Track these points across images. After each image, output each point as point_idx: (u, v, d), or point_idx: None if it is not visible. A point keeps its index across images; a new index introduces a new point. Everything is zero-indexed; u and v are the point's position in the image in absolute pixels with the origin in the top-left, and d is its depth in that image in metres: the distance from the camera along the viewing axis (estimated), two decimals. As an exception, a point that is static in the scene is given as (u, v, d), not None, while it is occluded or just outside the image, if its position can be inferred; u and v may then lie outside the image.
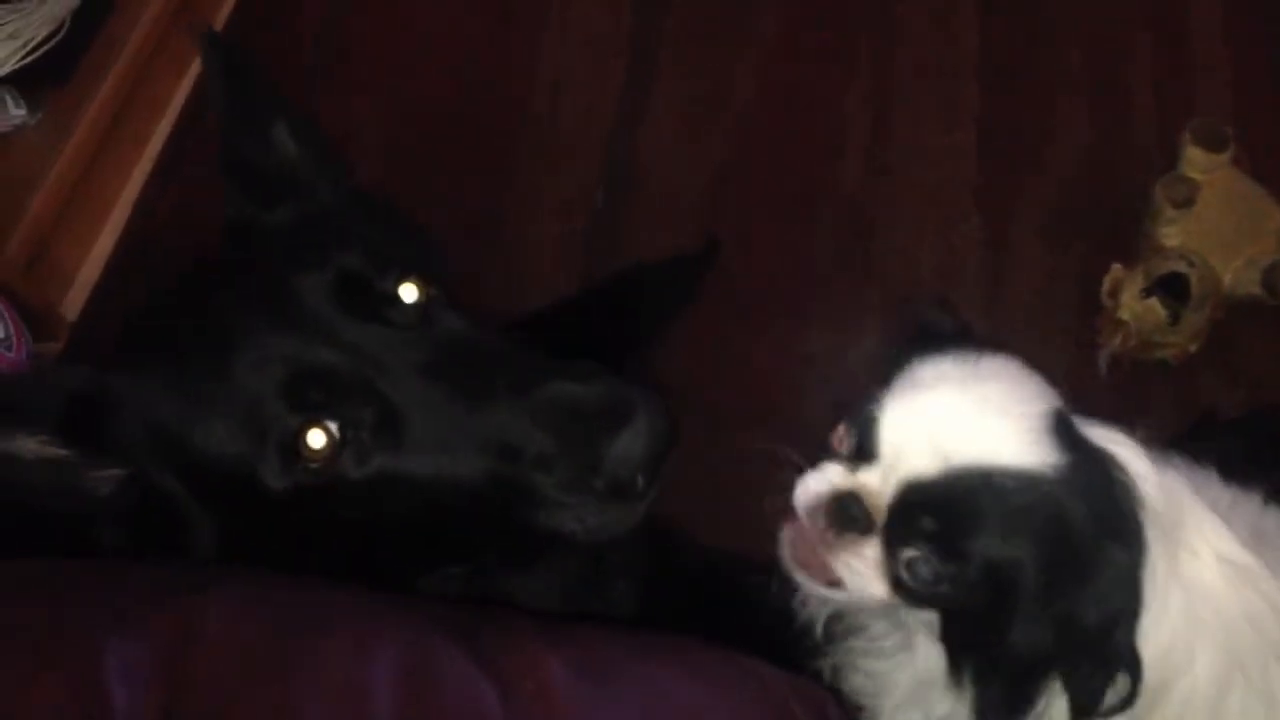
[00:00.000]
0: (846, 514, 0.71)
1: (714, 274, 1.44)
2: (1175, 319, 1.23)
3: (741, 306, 1.43)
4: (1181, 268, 1.21)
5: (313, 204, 0.88)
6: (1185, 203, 1.26)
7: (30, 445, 0.71)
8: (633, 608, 0.91)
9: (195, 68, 1.65)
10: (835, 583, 0.73)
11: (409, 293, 0.79)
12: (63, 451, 0.72)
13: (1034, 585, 0.66)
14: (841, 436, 0.73)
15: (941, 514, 0.67)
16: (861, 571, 0.71)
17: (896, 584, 0.70)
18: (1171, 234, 1.27)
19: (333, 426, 0.72)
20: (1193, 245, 1.25)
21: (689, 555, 1.02)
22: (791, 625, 0.84)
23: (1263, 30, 1.55)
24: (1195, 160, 1.29)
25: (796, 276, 1.45)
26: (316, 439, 0.72)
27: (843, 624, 0.82)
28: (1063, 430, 0.69)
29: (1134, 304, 1.24)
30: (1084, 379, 1.31)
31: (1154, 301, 1.23)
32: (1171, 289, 1.23)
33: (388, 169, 1.57)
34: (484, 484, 0.73)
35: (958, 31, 1.62)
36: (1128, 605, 0.67)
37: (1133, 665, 0.68)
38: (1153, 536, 0.68)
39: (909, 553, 0.69)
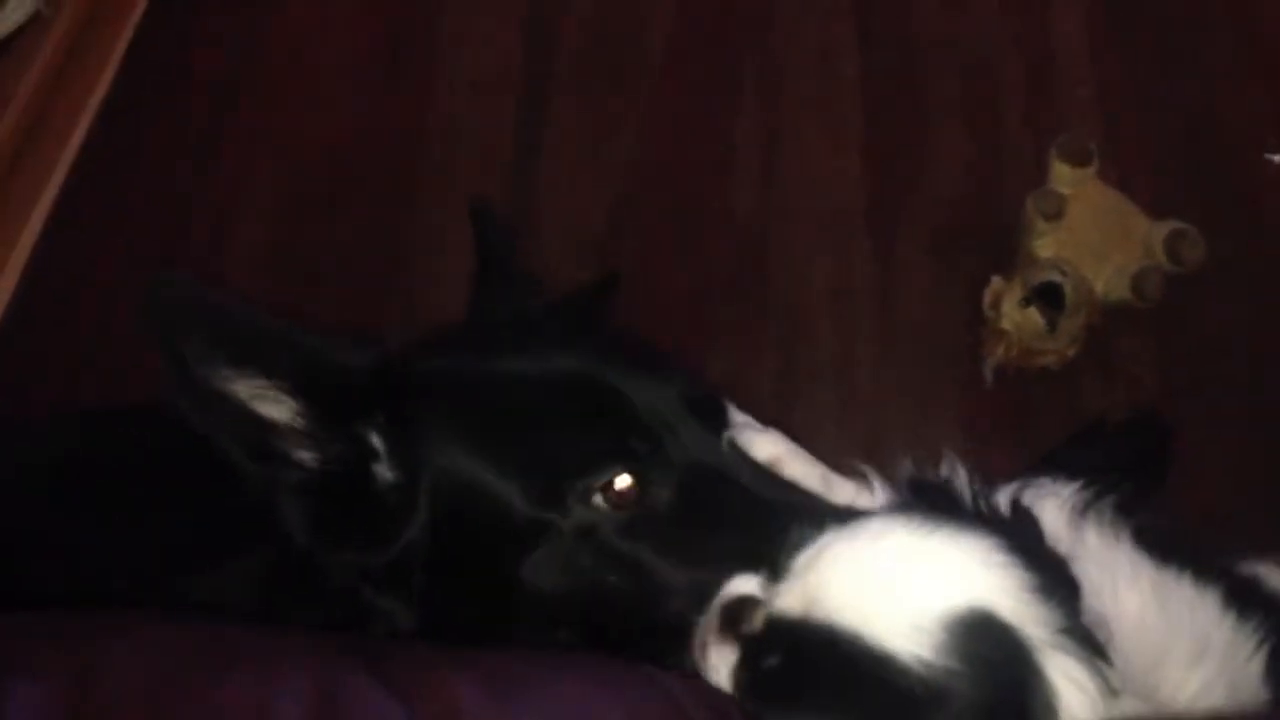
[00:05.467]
0: (736, 616, 0.72)
1: (616, 304, 1.47)
2: (1053, 326, 1.28)
3: (644, 333, 1.45)
4: (1055, 277, 1.27)
5: None
6: (1055, 215, 1.32)
7: (243, 393, 0.71)
8: None
9: (81, 130, 1.63)
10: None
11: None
12: (282, 414, 0.72)
13: None
14: None
15: (785, 657, 0.67)
16: (718, 669, 0.72)
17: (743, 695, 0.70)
18: (1044, 245, 1.32)
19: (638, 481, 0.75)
20: (1065, 255, 1.31)
21: None
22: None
23: (1125, 49, 1.63)
24: (1062, 175, 1.35)
25: (695, 302, 1.49)
26: (623, 484, 0.74)
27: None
28: (977, 634, 0.64)
29: (1014, 314, 1.30)
30: (974, 390, 1.37)
31: (1032, 310, 1.29)
32: (1048, 298, 1.29)
33: (291, 217, 1.58)
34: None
35: (838, 61, 1.67)
36: None
37: None
38: None
39: (749, 677, 0.70)
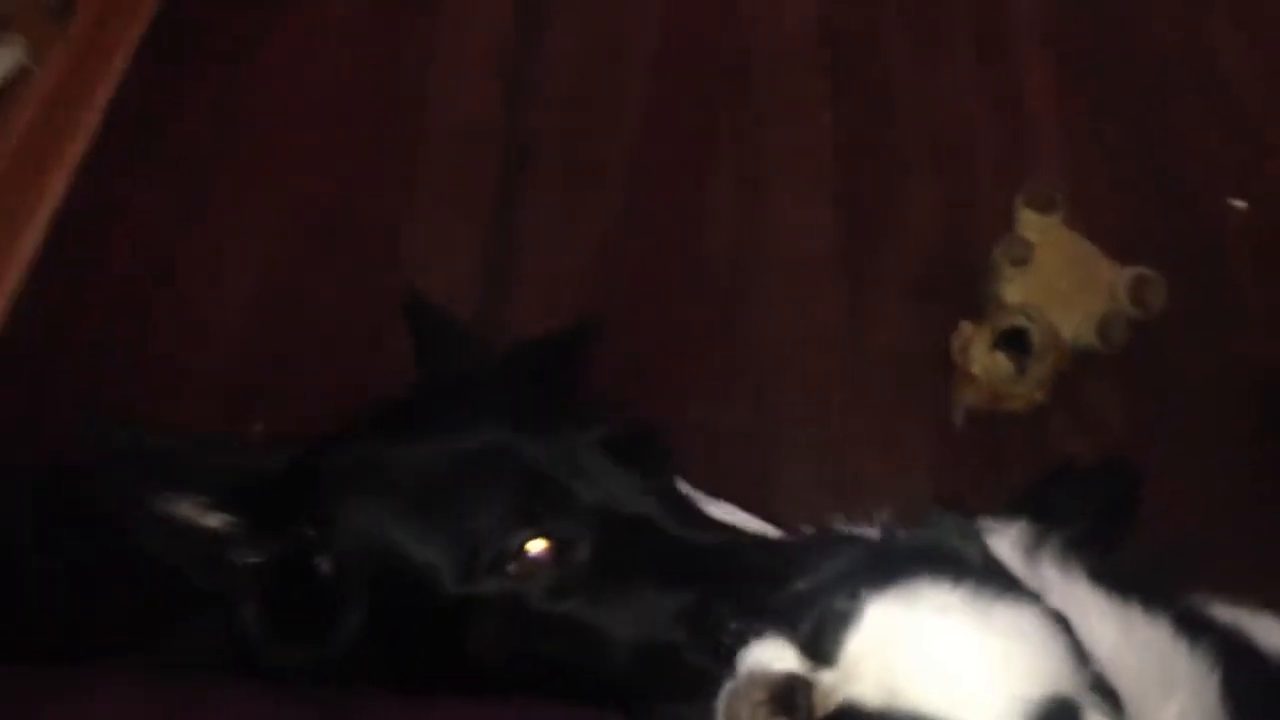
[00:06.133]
0: (790, 701, 0.65)
1: (597, 352, 1.48)
2: (1021, 371, 1.30)
3: (622, 380, 1.46)
4: (1022, 322, 1.30)
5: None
6: (1022, 261, 1.35)
7: (186, 510, 0.75)
8: None
9: (63, 183, 1.64)
10: None
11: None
12: (220, 522, 0.76)
13: None
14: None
15: None
16: None
17: None
18: (1012, 291, 1.35)
19: (551, 545, 0.75)
20: (1033, 300, 1.33)
21: None
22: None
23: (1091, 99, 1.67)
24: (1029, 222, 1.38)
25: (671, 348, 1.50)
26: (537, 551, 0.74)
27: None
28: (1055, 717, 0.62)
29: (983, 358, 1.32)
30: (945, 434, 1.38)
31: (1000, 355, 1.31)
32: (1016, 343, 1.31)
33: (284, 262, 1.59)
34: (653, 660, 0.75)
35: (812, 111, 1.70)
36: None
37: None
38: None
39: None
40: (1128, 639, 0.74)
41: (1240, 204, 1.51)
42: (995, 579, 0.68)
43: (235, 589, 0.76)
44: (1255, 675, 0.78)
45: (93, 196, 1.65)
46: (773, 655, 0.67)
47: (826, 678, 0.65)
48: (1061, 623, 0.68)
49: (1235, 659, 0.76)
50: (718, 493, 1.34)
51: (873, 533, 0.81)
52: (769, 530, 0.89)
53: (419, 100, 1.76)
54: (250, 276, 1.59)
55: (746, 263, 1.57)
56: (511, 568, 0.74)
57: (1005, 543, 0.79)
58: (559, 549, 0.75)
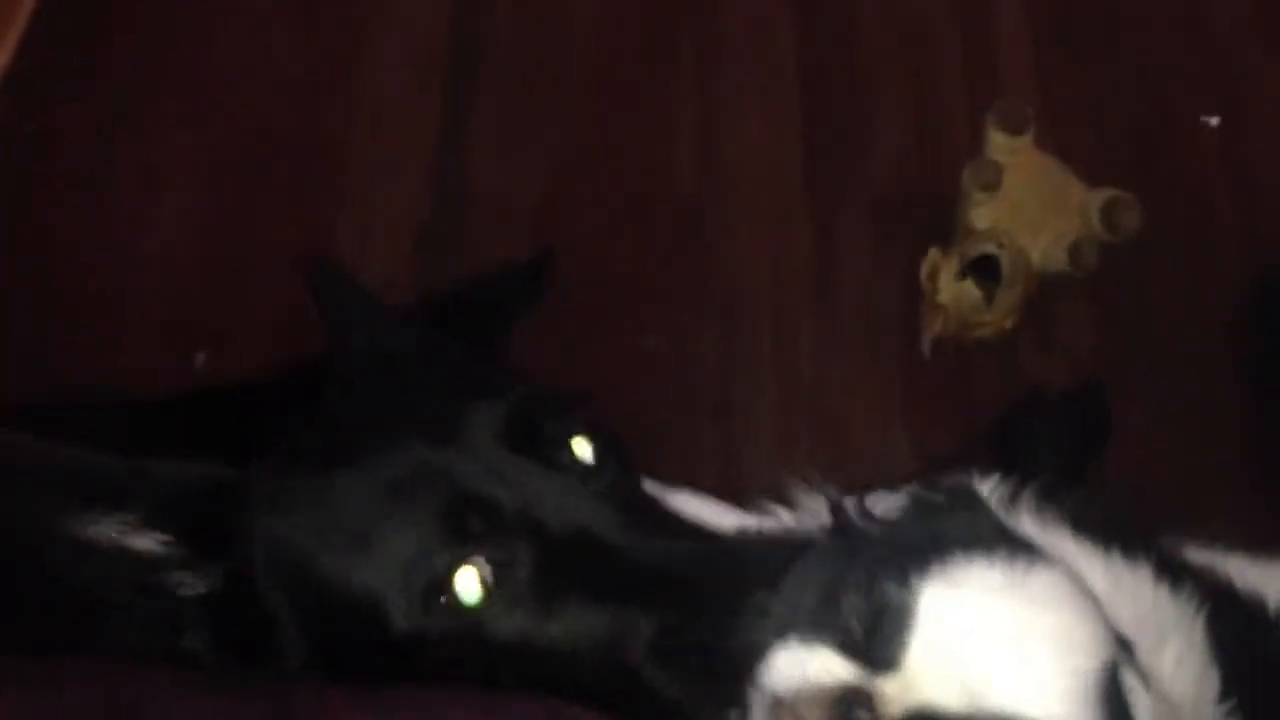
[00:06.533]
0: (850, 717, 0.60)
1: (553, 280, 1.44)
2: (990, 299, 1.27)
3: (581, 309, 1.43)
4: (991, 249, 1.26)
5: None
6: (992, 185, 1.30)
7: (109, 533, 0.69)
8: None
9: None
10: None
11: (582, 448, 0.77)
12: (152, 544, 0.71)
13: None
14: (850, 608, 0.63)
15: None
16: None
17: None
18: (981, 216, 1.30)
19: (486, 569, 0.70)
20: (1002, 226, 1.29)
21: None
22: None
23: (1063, 16, 1.62)
24: (999, 144, 1.33)
25: (633, 276, 1.46)
26: (467, 581, 0.70)
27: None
28: (1110, 685, 0.61)
29: (951, 286, 1.28)
30: (914, 363, 1.36)
31: (969, 283, 1.28)
32: (985, 269, 1.27)
33: (215, 201, 1.53)
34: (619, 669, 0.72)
35: (775, 31, 1.64)
36: None
37: None
38: None
39: None
40: (1117, 588, 0.72)
41: (1213, 122, 1.48)
42: (1019, 548, 0.65)
43: (182, 619, 0.72)
44: (1237, 615, 0.77)
45: (15, 123, 1.57)
46: (817, 665, 0.62)
47: (888, 685, 0.60)
48: (1080, 581, 0.66)
49: (1217, 601, 0.75)
50: (680, 426, 1.34)
51: (820, 505, 0.78)
52: (729, 515, 0.86)
53: (363, 17, 1.68)
54: (189, 202, 1.53)
55: (709, 188, 1.52)
56: (444, 598, 0.70)
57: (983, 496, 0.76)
58: (496, 573, 0.71)
